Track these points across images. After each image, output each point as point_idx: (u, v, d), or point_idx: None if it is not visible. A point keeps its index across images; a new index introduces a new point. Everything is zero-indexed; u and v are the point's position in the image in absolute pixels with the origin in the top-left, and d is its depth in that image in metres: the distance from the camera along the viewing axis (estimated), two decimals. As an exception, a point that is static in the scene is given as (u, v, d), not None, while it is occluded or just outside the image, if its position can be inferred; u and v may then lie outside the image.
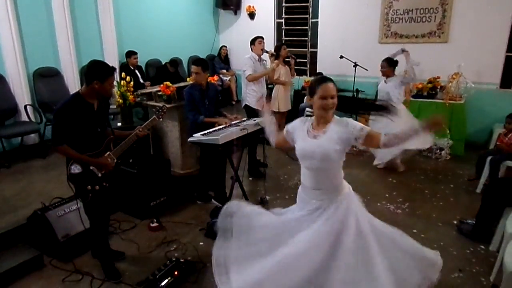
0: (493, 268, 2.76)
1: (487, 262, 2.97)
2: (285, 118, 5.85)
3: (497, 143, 4.45)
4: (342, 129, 2.02)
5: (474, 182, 4.44)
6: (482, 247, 3.20)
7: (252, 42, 4.73)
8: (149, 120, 2.85)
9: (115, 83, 4.72)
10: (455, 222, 3.58)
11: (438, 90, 5.72)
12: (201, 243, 3.29)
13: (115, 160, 2.69)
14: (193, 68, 3.71)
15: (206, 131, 3.43)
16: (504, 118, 4.38)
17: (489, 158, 4.23)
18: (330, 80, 2.06)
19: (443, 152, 5.32)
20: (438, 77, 5.78)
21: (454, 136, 5.36)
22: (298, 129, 2.18)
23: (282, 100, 5.49)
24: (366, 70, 6.12)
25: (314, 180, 2.09)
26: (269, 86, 5.08)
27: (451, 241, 3.30)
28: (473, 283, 2.75)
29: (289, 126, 2.25)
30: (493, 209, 3.19)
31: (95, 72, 2.46)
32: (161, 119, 2.94)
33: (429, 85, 5.74)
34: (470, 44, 5.81)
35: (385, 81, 4.81)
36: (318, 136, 2.06)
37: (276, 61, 5.00)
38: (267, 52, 4.78)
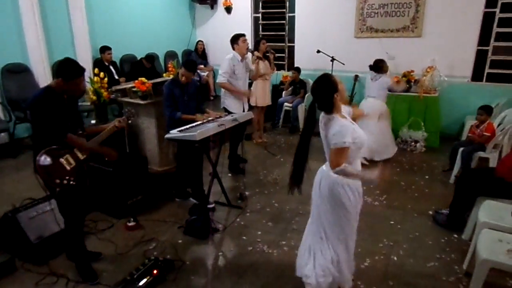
0: (466, 256, 2.85)
1: (460, 251, 3.06)
2: (263, 113, 5.83)
3: (469, 134, 4.58)
4: None
5: (448, 173, 4.56)
6: (456, 236, 3.29)
7: (235, 41, 4.46)
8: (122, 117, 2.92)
9: (88, 79, 4.62)
10: (430, 212, 3.67)
11: (412, 83, 5.84)
12: (179, 241, 3.25)
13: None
14: (185, 72, 3.62)
15: (183, 127, 3.38)
16: (476, 110, 4.52)
17: (461, 149, 4.35)
18: None
19: (418, 144, 5.43)
20: (412, 71, 5.90)
21: (429, 129, 5.49)
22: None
23: (260, 95, 5.46)
24: (343, 64, 6.17)
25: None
26: (248, 81, 5.02)
27: (426, 231, 3.38)
28: (447, 271, 2.83)
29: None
30: (466, 199, 3.28)
31: (61, 70, 2.43)
32: (130, 122, 3.06)
33: (404, 79, 5.84)
34: (443, 38, 5.94)
35: (371, 78, 5.05)
36: None
37: (257, 59, 4.94)
38: (252, 52, 4.65)
